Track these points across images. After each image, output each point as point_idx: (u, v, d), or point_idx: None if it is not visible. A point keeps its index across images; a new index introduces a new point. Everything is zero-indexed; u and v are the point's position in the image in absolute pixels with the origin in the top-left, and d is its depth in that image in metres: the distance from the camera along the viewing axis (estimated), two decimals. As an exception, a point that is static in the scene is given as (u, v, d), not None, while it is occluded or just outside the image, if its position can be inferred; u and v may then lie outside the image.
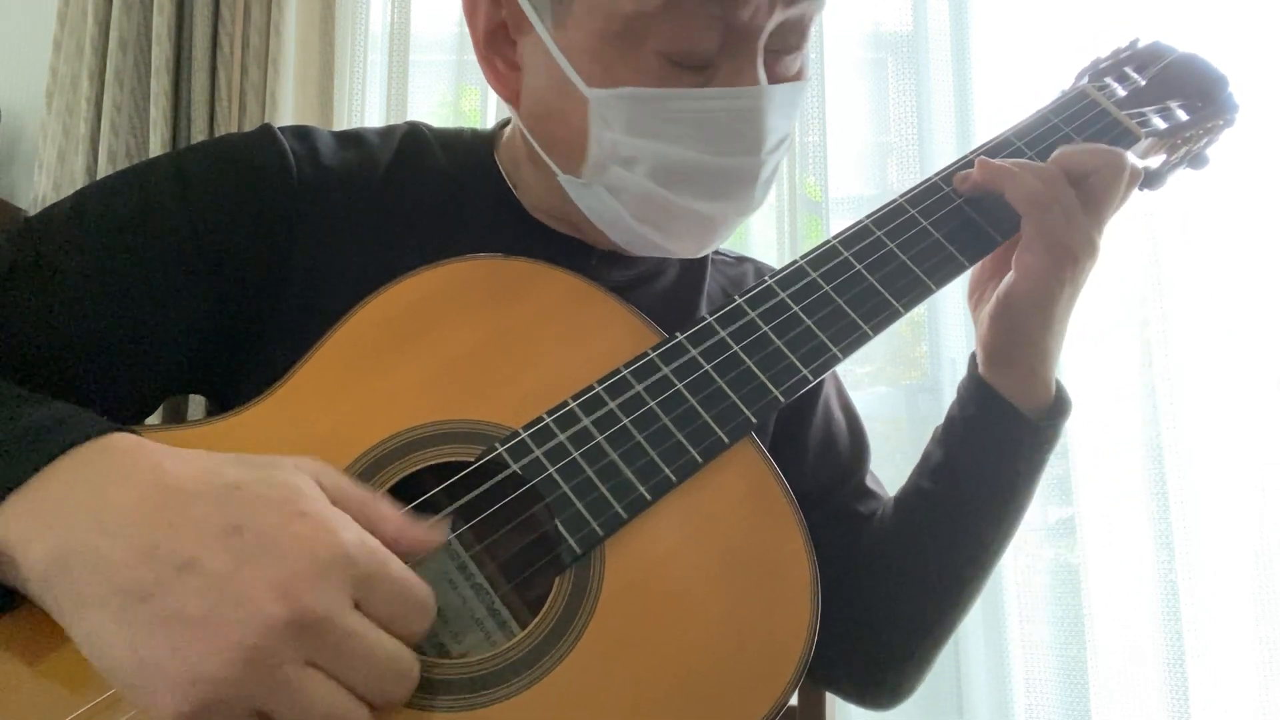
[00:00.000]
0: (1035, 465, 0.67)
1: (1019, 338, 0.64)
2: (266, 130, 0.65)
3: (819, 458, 0.76)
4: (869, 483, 0.78)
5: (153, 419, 0.66)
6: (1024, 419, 0.65)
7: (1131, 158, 0.64)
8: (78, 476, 0.42)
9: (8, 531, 0.40)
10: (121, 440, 0.44)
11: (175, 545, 0.39)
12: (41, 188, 1.57)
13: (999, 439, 0.66)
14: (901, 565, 0.71)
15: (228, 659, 0.37)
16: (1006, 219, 0.62)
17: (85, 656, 0.39)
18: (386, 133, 0.71)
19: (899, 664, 0.73)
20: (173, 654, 0.37)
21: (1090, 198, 0.62)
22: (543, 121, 0.64)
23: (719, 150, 0.60)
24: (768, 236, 1.58)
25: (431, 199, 0.67)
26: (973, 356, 0.68)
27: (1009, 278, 0.63)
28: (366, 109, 1.66)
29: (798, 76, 0.63)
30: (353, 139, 0.69)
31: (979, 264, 0.68)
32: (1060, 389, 0.67)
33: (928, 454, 0.71)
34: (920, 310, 1.56)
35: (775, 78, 0.61)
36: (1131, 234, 1.44)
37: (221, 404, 0.66)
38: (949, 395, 1.49)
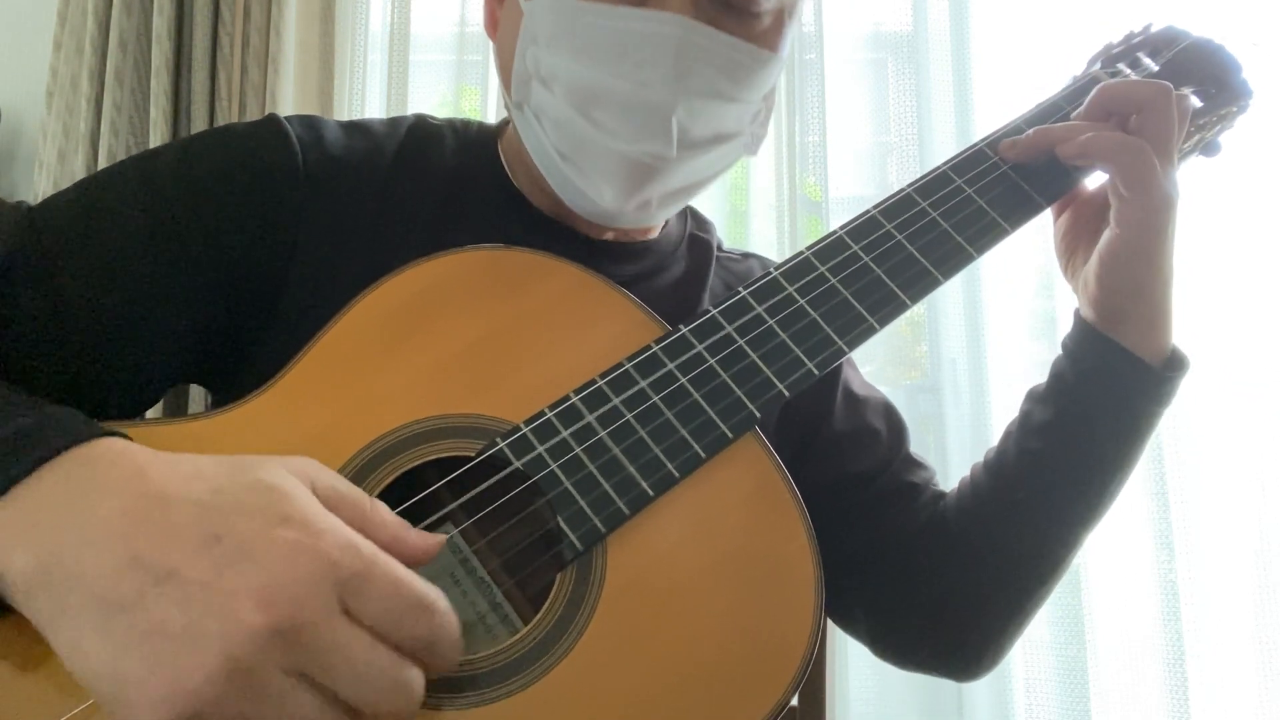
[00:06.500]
0: (1151, 421, 0.65)
1: (1132, 291, 0.63)
2: (272, 119, 0.65)
3: (857, 443, 0.75)
4: (914, 453, 0.76)
5: (153, 411, 0.66)
6: (1148, 367, 0.63)
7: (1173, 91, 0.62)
8: (62, 485, 0.40)
9: None
10: (108, 446, 0.42)
11: (156, 556, 0.37)
12: (41, 188, 1.57)
13: (1122, 389, 0.64)
14: (999, 534, 0.68)
15: (207, 671, 0.35)
16: (1020, 200, 0.62)
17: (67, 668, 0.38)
18: (393, 123, 0.71)
19: (990, 636, 0.70)
20: (152, 668, 0.36)
21: (1147, 136, 0.61)
22: (500, 47, 0.66)
23: (628, 76, 0.58)
24: (768, 236, 1.58)
25: (435, 190, 0.67)
26: (1079, 317, 0.66)
27: (1110, 234, 0.62)
28: (366, 109, 1.66)
29: (760, 41, 0.61)
30: (360, 129, 0.68)
31: (1064, 231, 0.68)
32: (1176, 348, 0.65)
33: (1027, 414, 0.68)
34: (920, 310, 1.56)
35: (720, 27, 0.59)
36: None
37: (223, 395, 0.66)
38: (949, 395, 1.50)
